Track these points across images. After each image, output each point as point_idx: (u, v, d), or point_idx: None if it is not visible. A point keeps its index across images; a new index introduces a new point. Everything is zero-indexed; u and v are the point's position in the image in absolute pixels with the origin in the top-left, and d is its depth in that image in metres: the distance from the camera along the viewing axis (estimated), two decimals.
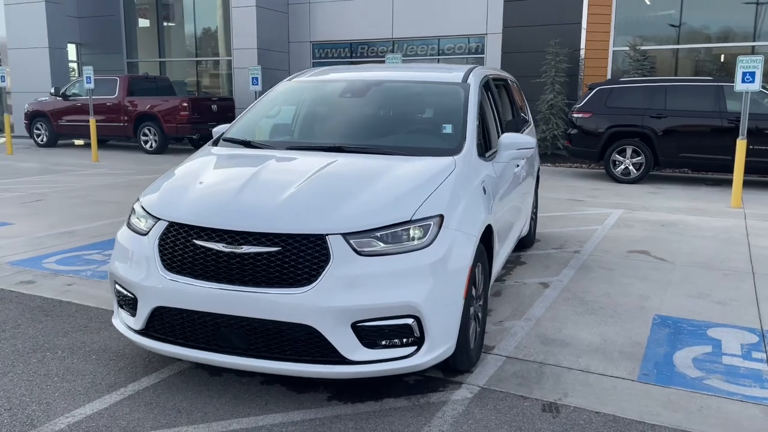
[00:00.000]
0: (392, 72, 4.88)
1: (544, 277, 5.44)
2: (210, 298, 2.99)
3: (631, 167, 11.49)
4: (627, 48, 15.32)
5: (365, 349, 2.98)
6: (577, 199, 9.61)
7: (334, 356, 2.96)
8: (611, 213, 8.47)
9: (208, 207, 3.20)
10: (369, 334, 2.96)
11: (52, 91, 17.81)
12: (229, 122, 4.84)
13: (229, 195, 3.26)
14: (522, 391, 3.33)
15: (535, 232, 6.69)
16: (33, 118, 17.90)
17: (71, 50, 23.24)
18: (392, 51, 19.23)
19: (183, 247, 3.12)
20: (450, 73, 4.60)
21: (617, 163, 11.60)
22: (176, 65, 22.10)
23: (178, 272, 3.10)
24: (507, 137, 4.16)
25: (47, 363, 3.61)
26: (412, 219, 3.10)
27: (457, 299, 3.16)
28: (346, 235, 2.97)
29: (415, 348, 3.05)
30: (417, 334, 3.02)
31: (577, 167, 13.83)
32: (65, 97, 17.29)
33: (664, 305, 4.74)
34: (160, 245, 3.19)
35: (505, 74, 5.94)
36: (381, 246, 3.00)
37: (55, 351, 3.77)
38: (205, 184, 3.46)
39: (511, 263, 5.86)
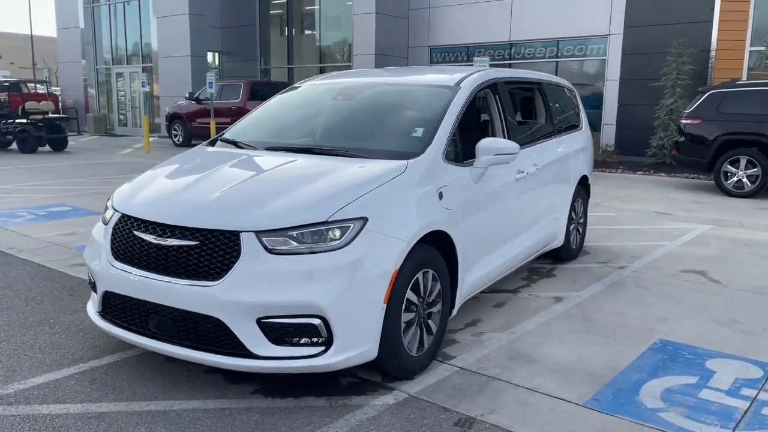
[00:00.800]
0: (392, 76, 4.87)
1: (564, 291, 5.13)
2: (142, 286, 3.21)
3: (745, 179, 10.39)
4: (765, 48, 13.86)
5: (272, 345, 3.04)
6: (665, 213, 8.88)
7: (241, 349, 3.05)
8: (694, 229, 7.73)
9: (152, 201, 3.43)
10: (274, 331, 3.02)
11: (187, 95, 19.48)
12: None
13: (174, 191, 3.47)
14: (449, 403, 3.20)
15: (580, 244, 6.31)
16: (171, 120, 19.72)
17: (214, 58, 25.26)
18: (509, 55, 18.88)
19: (126, 237, 3.37)
20: (449, 76, 4.50)
21: (729, 174, 10.54)
22: (303, 71, 23.19)
23: (122, 260, 3.36)
24: (484, 142, 4.01)
25: (40, 336, 4.04)
26: (329, 220, 3.10)
27: (376, 303, 3.12)
28: (258, 233, 3.05)
29: (323, 348, 3.06)
30: (324, 334, 3.03)
31: (690, 178, 12.73)
32: (198, 101, 18.84)
33: (678, 329, 4.29)
34: (112, 235, 3.47)
35: (541, 77, 5.69)
36: (294, 245, 3.05)
37: (53, 326, 4.21)
38: (165, 180, 3.70)
39: (538, 275, 5.59)
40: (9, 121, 17.42)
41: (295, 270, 3.00)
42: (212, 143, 4.59)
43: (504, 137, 4.65)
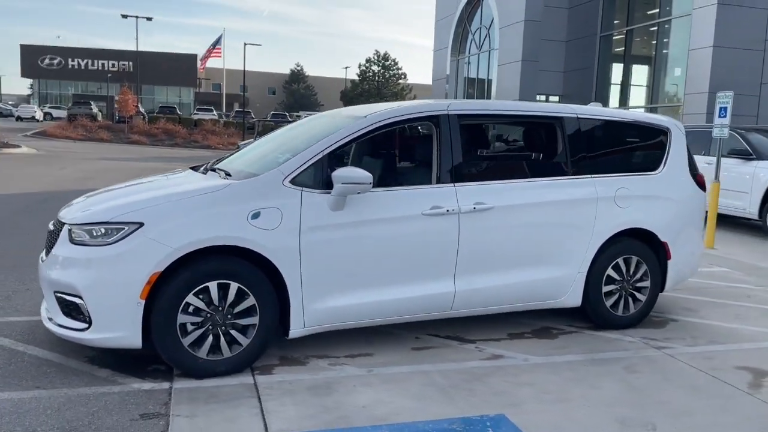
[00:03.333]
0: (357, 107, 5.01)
1: (523, 353, 4.40)
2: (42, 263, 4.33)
3: None
4: None
5: (62, 315, 3.81)
6: None
7: (53, 316, 3.90)
8: None
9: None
10: (61, 304, 3.79)
11: None
12: None
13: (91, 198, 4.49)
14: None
15: (638, 313, 5.05)
16: None
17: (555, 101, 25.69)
18: None
19: None
20: (387, 109, 4.48)
21: None
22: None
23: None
24: (337, 171, 3.96)
25: None
26: (110, 221, 3.72)
27: (133, 297, 3.60)
28: (69, 226, 3.87)
29: (87, 325, 3.69)
30: (87, 313, 3.67)
31: None
32: None
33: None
34: None
35: (543, 110, 4.94)
36: (87, 238, 3.75)
37: None
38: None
39: (534, 334, 4.83)
40: None
41: (76, 257, 3.73)
42: (194, 168, 5.19)
43: (436, 171, 4.39)
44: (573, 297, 4.83)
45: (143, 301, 3.63)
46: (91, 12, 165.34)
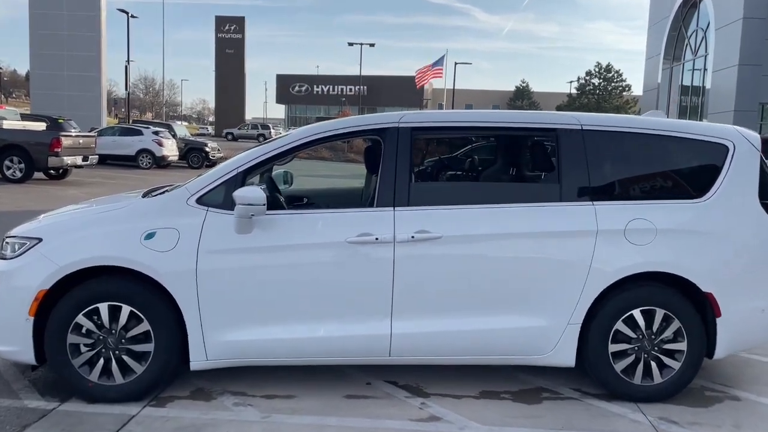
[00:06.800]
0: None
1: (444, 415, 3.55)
2: None
3: None
4: None
5: None
6: None
7: None
8: None
9: None
10: None
11: None
12: None
13: None
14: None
15: (672, 385, 3.80)
16: None
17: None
18: None
19: None
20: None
21: None
22: None
23: None
24: (237, 191, 3.56)
25: None
26: (19, 235, 3.77)
27: (21, 313, 3.58)
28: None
29: None
30: None
31: None
32: None
33: None
34: None
35: (525, 120, 3.98)
36: (7, 251, 3.84)
37: None
38: None
39: (516, 397, 3.88)
40: None
41: None
42: None
43: (375, 192, 3.79)
44: (562, 354, 3.80)
45: (32, 318, 3.60)
46: (341, 43, 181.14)
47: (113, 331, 3.64)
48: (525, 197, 3.87)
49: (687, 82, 24.92)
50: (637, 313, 3.79)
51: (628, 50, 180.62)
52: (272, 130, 50.80)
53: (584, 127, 3.92)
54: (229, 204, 3.69)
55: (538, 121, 3.97)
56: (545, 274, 3.74)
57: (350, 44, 52.48)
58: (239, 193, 3.55)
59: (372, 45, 52.97)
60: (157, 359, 3.66)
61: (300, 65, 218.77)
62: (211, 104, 79.20)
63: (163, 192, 4.03)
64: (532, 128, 3.98)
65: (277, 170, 4.96)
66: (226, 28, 69.94)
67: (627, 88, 63.41)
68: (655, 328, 3.81)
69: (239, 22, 70.05)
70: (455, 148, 4.28)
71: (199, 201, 3.73)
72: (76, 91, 35.29)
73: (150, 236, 3.65)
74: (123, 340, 3.65)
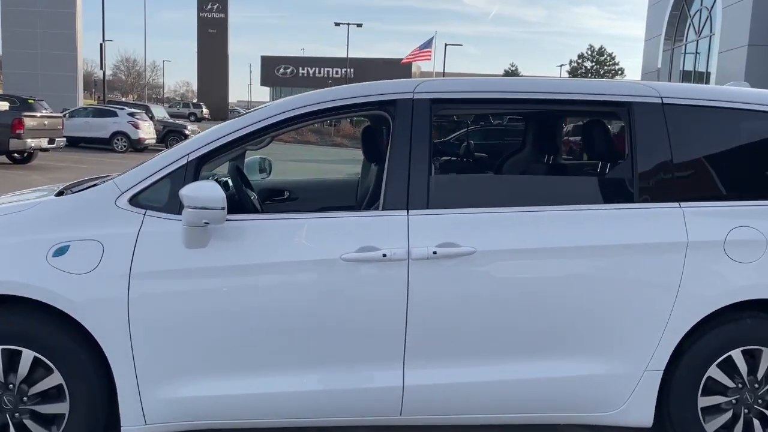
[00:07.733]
0: None
1: None
2: None
3: None
4: None
5: None
6: None
7: None
8: None
9: None
10: None
11: None
12: None
13: None
14: None
15: None
16: None
17: None
18: None
19: None
20: None
21: None
22: None
23: None
24: (184, 188, 2.49)
25: None
26: None
27: None
28: None
29: None
30: None
31: None
32: None
33: None
34: None
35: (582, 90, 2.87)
36: None
37: None
38: None
39: None
40: None
41: None
42: None
43: (380, 188, 2.72)
44: (636, 411, 2.79)
45: None
46: (327, 25, 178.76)
47: (10, 386, 2.57)
48: (586, 197, 2.82)
49: (689, 66, 23.90)
50: (737, 355, 2.78)
51: (615, 35, 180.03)
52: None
53: (665, 101, 2.87)
54: (175, 206, 2.62)
55: (605, 92, 2.89)
56: (616, 302, 2.71)
57: (337, 24, 50.94)
58: (187, 192, 2.47)
59: (359, 25, 51.50)
60: (74, 424, 2.60)
61: (285, 47, 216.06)
62: (195, 87, 77.07)
63: (89, 187, 2.92)
64: (596, 101, 2.90)
65: (252, 156, 3.90)
66: (209, 6, 67.69)
67: (620, 72, 62.46)
68: (760, 374, 2.80)
69: (222, 1, 67.95)
70: (490, 129, 3.21)
71: (133, 201, 2.65)
72: (51, 71, 33.68)
73: (61, 252, 2.56)
74: (24, 398, 2.58)
